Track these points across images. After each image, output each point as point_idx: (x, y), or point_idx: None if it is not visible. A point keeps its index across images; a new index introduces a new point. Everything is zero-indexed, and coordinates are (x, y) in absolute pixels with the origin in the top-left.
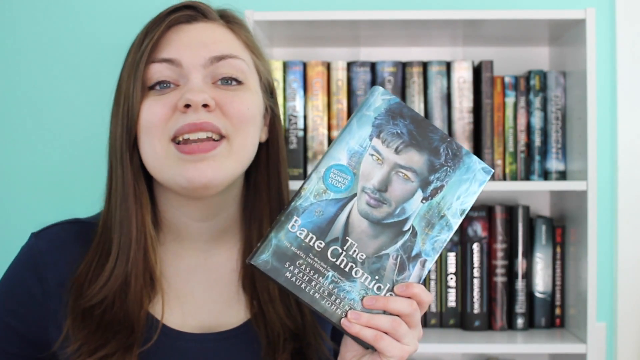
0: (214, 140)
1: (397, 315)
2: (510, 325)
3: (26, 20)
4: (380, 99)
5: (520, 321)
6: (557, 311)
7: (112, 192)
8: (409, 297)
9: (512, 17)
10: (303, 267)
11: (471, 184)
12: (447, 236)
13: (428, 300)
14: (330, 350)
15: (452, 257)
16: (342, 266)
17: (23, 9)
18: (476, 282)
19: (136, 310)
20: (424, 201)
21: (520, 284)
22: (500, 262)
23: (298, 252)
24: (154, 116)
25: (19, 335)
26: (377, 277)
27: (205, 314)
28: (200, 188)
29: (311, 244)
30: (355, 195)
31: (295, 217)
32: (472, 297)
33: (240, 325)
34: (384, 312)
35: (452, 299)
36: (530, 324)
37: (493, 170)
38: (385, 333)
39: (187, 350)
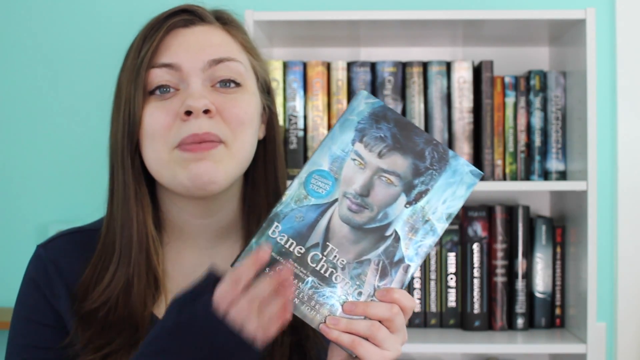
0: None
1: (378, 320)
2: (510, 325)
3: (25, 21)
4: (363, 102)
5: (520, 321)
6: (557, 311)
7: (114, 195)
8: (390, 302)
9: (512, 17)
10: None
11: (458, 188)
12: (432, 241)
13: (410, 306)
14: None
15: (452, 257)
16: (322, 271)
17: (24, 10)
18: (476, 282)
19: (140, 310)
20: (407, 205)
21: (520, 284)
22: (500, 262)
23: (278, 257)
24: (157, 123)
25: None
26: (358, 283)
27: None
28: (203, 188)
29: (291, 249)
30: (336, 200)
31: (275, 223)
32: (472, 297)
33: None
34: (366, 318)
35: (452, 299)
36: (530, 324)
37: (482, 173)
38: (366, 338)
39: None
